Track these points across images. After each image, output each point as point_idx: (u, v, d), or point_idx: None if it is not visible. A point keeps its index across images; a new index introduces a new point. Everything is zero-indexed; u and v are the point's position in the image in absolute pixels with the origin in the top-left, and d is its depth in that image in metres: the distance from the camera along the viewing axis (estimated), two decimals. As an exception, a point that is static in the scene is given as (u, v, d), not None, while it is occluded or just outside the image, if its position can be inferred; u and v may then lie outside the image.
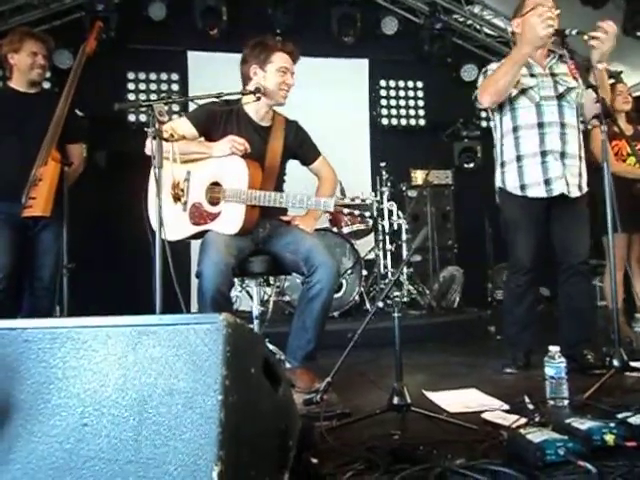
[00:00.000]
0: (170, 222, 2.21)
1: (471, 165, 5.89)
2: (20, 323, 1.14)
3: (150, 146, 1.91)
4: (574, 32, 2.27)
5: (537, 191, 2.56)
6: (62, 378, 1.06)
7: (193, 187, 2.29)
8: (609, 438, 1.34)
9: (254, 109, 2.42)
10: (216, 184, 2.29)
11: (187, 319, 1.03)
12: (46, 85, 4.82)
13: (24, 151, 2.63)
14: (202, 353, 0.98)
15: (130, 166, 3.28)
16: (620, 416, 1.48)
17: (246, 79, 2.41)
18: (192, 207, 2.30)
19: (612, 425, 1.37)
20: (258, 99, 2.29)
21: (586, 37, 2.26)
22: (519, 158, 2.59)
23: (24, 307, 2.75)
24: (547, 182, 2.54)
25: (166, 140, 1.91)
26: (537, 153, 2.55)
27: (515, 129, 2.60)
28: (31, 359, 1.09)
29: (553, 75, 2.62)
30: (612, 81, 3.80)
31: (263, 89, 2.29)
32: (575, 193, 2.57)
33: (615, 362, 2.12)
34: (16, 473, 1.01)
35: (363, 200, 2.22)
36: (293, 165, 2.59)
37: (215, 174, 2.29)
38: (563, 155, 2.55)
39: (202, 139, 2.39)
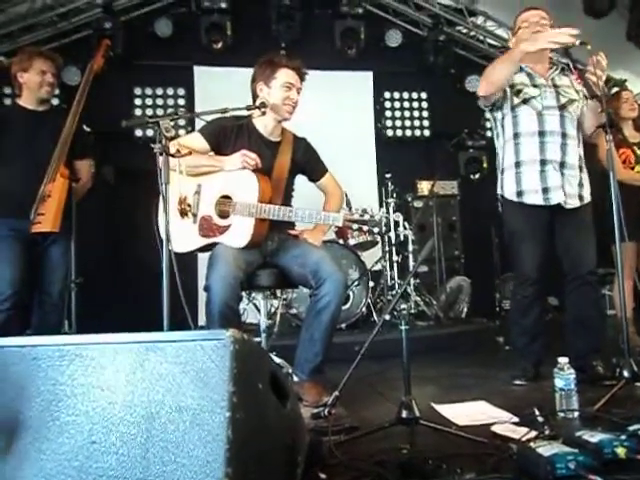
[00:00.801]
0: (179, 234, 2.22)
1: (477, 175, 5.89)
2: (29, 341, 1.15)
3: (158, 161, 1.93)
4: (577, 42, 2.28)
5: (534, 198, 2.56)
6: (70, 395, 1.06)
7: (203, 200, 2.32)
8: (620, 451, 1.32)
9: (262, 124, 2.45)
10: (226, 197, 2.31)
11: (194, 336, 1.03)
12: (55, 102, 4.88)
13: (33, 168, 2.65)
14: (209, 370, 0.99)
15: (138, 181, 3.31)
16: (631, 428, 1.46)
17: (255, 96, 2.45)
18: (202, 219, 2.31)
19: (623, 438, 1.36)
20: (263, 114, 2.32)
21: (589, 47, 2.26)
22: (518, 164, 2.60)
23: (33, 322, 2.76)
24: (545, 190, 2.54)
25: (173, 156, 1.93)
26: (536, 161, 2.56)
27: (516, 136, 2.61)
28: (40, 377, 1.10)
29: (555, 86, 2.63)
30: (617, 89, 3.81)
31: (268, 104, 2.31)
32: (575, 204, 2.56)
33: (625, 373, 2.10)
34: (25, 491, 1.01)
35: (372, 216, 2.22)
36: (300, 181, 2.61)
37: (226, 187, 2.31)
38: (563, 165, 2.55)
39: (212, 153, 2.42)
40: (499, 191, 2.71)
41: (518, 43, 2.51)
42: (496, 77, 2.50)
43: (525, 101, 2.58)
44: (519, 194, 2.59)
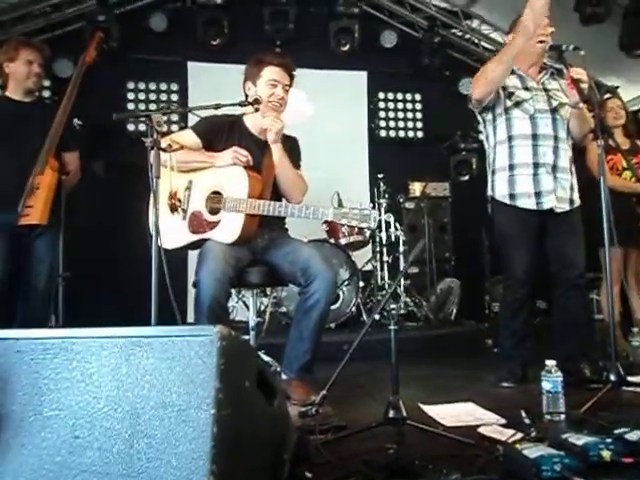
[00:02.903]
0: (169, 230, 2.21)
1: (466, 177, 5.88)
2: (13, 333, 1.14)
3: (149, 156, 1.92)
4: (571, 47, 2.30)
5: (526, 202, 2.57)
6: (54, 389, 1.05)
7: (194, 195, 2.32)
8: (606, 454, 1.33)
9: (252, 123, 2.45)
10: (217, 193, 2.30)
11: (181, 331, 1.02)
12: (46, 94, 4.84)
13: (20, 160, 2.62)
14: (196, 366, 0.97)
15: (129, 175, 3.28)
16: (617, 432, 1.47)
17: (245, 96, 2.45)
18: (191, 215, 2.31)
19: (609, 441, 1.37)
20: (256, 110, 2.31)
21: (582, 53, 2.28)
22: (511, 167, 2.61)
23: (18, 316, 2.73)
24: (538, 195, 2.55)
25: (164, 150, 1.92)
26: (529, 164, 2.57)
27: (509, 139, 2.62)
28: (23, 370, 1.08)
29: (546, 90, 2.64)
30: (608, 96, 3.84)
31: (262, 101, 2.31)
32: (565, 207, 2.58)
33: (612, 376, 2.12)
34: (6, 486, 1.00)
35: (361, 211, 2.21)
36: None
37: (216, 183, 2.31)
38: (555, 168, 2.57)
39: (203, 150, 2.40)
40: (489, 192, 2.72)
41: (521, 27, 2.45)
42: (495, 76, 2.50)
43: (517, 104, 2.59)
44: (511, 197, 2.60)
